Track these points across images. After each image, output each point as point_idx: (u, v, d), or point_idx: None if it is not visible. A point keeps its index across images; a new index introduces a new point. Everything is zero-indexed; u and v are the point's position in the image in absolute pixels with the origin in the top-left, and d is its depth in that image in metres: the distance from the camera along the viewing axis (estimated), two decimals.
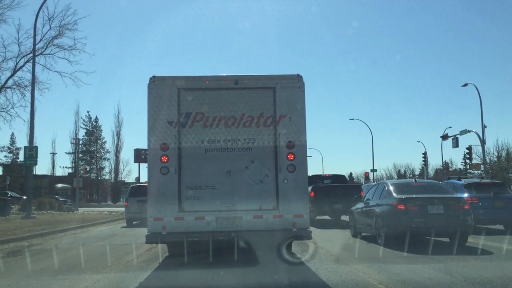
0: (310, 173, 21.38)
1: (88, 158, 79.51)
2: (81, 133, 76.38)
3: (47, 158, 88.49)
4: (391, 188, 12.31)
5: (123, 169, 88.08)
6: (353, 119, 60.58)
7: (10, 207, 27.57)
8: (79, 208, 38.25)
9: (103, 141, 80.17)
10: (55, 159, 76.81)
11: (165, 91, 8.39)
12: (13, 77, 27.52)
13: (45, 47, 27.97)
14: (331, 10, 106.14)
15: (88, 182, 73.06)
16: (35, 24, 25.55)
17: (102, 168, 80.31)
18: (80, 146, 71.98)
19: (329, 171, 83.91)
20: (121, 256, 10.22)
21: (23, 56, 27.50)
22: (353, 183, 52.96)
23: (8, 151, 73.95)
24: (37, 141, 52.50)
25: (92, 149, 79.79)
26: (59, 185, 72.65)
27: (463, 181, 16.44)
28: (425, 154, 53.26)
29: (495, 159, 52.59)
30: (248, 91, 8.48)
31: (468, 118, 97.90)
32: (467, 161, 46.63)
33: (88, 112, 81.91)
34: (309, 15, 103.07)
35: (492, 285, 6.78)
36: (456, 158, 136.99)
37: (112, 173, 75.83)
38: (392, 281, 7.10)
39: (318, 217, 19.91)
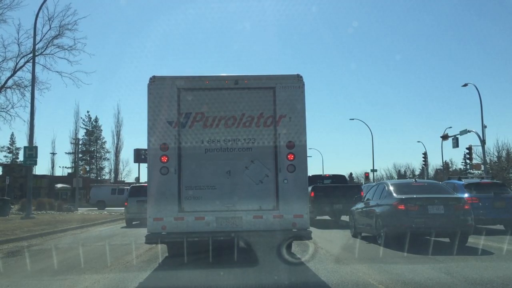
0: (310, 173, 21.39)
1: (88, 158, 79.49)
2: (81, 133, 76.46)
3: (47, 158, 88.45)
4: (391, 188, 12.30)
5: (123, 169, 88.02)
6: (353, 119, 60.67)
7: (9, 207, 27.55)
8: (78, 208, 38.22)
9: (103, 141, 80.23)
10: (55, 159, 76.81)
11: (165, 91, 8.39)
12: (13, 77, 27.53)
13: (45, 47, 27.97)
14: (331, 10, 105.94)
15: (88, 182, 72.90)
16: (35, 24, 25.54)
17: (102, 168, 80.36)
18: (80, 146, 72.00)
19: (329, 171, 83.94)
20: (120, 256, 10.21)
21: (23, 56, 27.51)
22: (353, 183, 52.90)
23: (8, 151, 74.07)
24: (37, 141, 52.70)
25: (92, 149, 79.78)
26: (59, 185, 72.59)
27: (463, 181, 16.44)
28: (425, 154, 53.24)
29: (495, 159, 52.65)
30: (248, 91, 8.48)
31: (468, 118, 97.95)
32: (467, 161, 46.56)
33: (88, 112, 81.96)
34: (309, 15, 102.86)
35: (493, 286, 6.78)
36: (456, 158, 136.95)
37: (112, 173, 75.90)
38: (392, 281, 7.09)
39: (318, 217, 19.90)
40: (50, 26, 27.63)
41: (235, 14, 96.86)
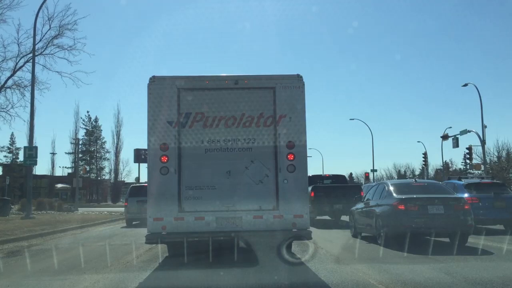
0: (310, 173, 21.37)
1: (88, 158, 79.41)
2: (81, 133, 76.37)
3: (47, 158, 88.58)
4: (391, 188, 12.30)
5: (123, 169, 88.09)
6: (353, 119, 60.62)
7: (10, 207, 27.54)
8: (78, 208, 38.21)
9: (103, 141, 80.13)
10: (54, 159, 76.79)
11: (165, 91, 8.39)
12: (13, 77, 27.39)
13: (45, 47, 27.86)
14: (331, 10, 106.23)
15: (88, 182, 72.94)
16: (35, 24, 25.49)
17: (102, 168, 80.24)
18: (80, 146, 71.83)
19: (329, 171, 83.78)
20: (121, 256, 10.21)
21: (23, 56, 27.40)
22: (353, 183, 52.87)
23: (8, 151, 73.87)
24: (37, 141, 52.47)
25: (92, 149, 79.68)
26: (59, 185, 72.59)
27: (463, 181, 16.43)
28: (425, 154, 53.22)
29: (495, 159, 52.64)
30: (248, 91, 8.48)
31: (468, 118, 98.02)
32: (467, 161, 46.52)
33: (88, 112, 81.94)
34: (309, 15, 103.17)
35: (492, 285, 6.77)
36: (456, 158, 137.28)
37: (112, 173, 75.77)
38: (392, 281, 7.09)
39: (318, 217, 19.90)
40: (50, 26, 27.54)
41: (235, 14, 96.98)
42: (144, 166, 49.58)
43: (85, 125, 79.01)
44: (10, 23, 48.52)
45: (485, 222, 14.83)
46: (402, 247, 10.09)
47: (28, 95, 26.17)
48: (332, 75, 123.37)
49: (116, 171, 74.40)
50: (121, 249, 11.67)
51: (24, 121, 36.10)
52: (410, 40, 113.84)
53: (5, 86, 27.17)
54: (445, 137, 42.23)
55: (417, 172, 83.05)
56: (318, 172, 37.11)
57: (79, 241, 13.92)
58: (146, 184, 9.05)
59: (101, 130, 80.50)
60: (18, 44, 27.35)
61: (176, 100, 8.36)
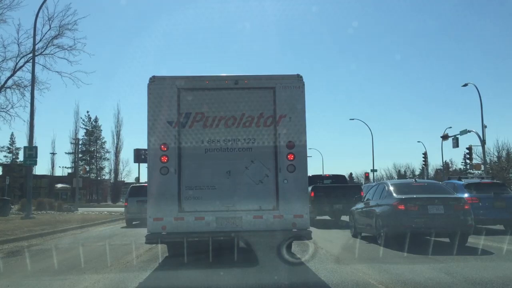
0: (310, 173, 21.37)
1: (88, 158, 79.42)
2: (81, 133, 76.41)
3: (46, 158, 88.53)
4: (391, 188, 12.30)
5: (123, 169, 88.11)
6: (353, 119, 60.66)
7: (10, 207, 27.54)
8: (78, 208, 38.20)
9: (103, 141, 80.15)
10: (54, 159, 76.77)
11: (165, 91, 8.39)
12: (13, 77, 27.36)
13: (45, 47, 27.84)
14: (331, 10, 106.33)
15: (88, 182, 72.93)
16: (35, 24, 25.49)
17: (102, 168, 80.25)
18: (80, 146, 71.87)
19: (329, 171, 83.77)
20: (121, 256, 10.20)
21: (23, 56, 27.37)
22: (353, 183, 52.84)
23: (8, 151, 73.91)
24: (36, 141, 52.41)
25: (92, 149, 79.70)
26: (59, 185, 72.60)
27: (463, 181, 16.43)
28: (425, 154, 53.21)
29: (496, 159, 52.66)
30: (248, 91, 8.47)
31: (468, 118, 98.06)
32: (467, 161, 46.53)
33: (88, 112, 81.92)
34: (309, 15, 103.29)
35: (492, 285, 6.77)
36: (457, 158, 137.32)
37: (112, 173, 75.78)
38: (392, 281, 7.09)
39: (318, 217, 19.90)
40: (50, 26, 27.52)
41: (235, 14, 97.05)
42: (144, 166, 49.60)
43: (85, 125, 79.10)
44: (10, 23, 48.45)
45: (485, 222, 14.82)
46: (402, 247, 10.09)
47: (28, 95, 26.18)
48: (332, 75, 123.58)
49: (116, 171, 74.47)
50: (121, 249, 11.67)
51: (24, 121, 36.16)
52: (410, 40, 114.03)
53: (5, 86, 27.15)
54: (445, 137, 42.23)
55: (417, 172, 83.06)
56: (318, 172, 37.17)
57: (79, 241, 13.92)
58: (146, 184, 9.05)
59: (101, 130, 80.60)
60: (18, 44, 27.36)
61: (176, 100, 8.36)
